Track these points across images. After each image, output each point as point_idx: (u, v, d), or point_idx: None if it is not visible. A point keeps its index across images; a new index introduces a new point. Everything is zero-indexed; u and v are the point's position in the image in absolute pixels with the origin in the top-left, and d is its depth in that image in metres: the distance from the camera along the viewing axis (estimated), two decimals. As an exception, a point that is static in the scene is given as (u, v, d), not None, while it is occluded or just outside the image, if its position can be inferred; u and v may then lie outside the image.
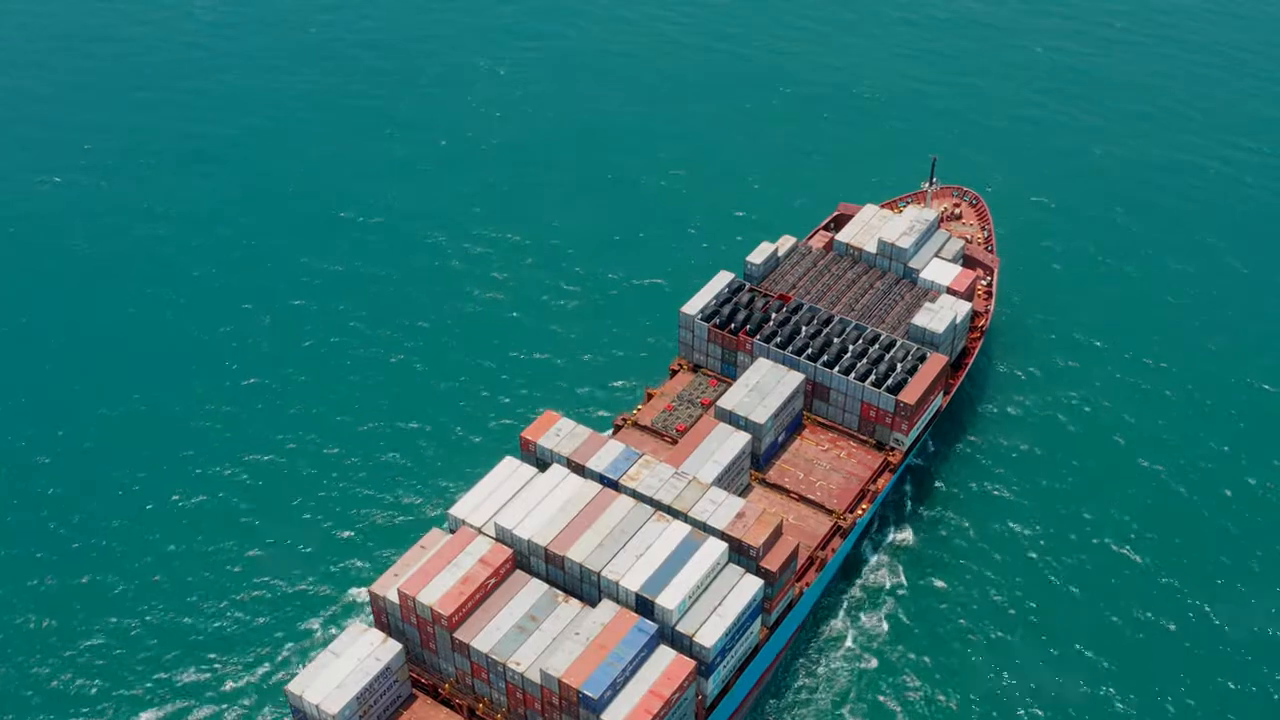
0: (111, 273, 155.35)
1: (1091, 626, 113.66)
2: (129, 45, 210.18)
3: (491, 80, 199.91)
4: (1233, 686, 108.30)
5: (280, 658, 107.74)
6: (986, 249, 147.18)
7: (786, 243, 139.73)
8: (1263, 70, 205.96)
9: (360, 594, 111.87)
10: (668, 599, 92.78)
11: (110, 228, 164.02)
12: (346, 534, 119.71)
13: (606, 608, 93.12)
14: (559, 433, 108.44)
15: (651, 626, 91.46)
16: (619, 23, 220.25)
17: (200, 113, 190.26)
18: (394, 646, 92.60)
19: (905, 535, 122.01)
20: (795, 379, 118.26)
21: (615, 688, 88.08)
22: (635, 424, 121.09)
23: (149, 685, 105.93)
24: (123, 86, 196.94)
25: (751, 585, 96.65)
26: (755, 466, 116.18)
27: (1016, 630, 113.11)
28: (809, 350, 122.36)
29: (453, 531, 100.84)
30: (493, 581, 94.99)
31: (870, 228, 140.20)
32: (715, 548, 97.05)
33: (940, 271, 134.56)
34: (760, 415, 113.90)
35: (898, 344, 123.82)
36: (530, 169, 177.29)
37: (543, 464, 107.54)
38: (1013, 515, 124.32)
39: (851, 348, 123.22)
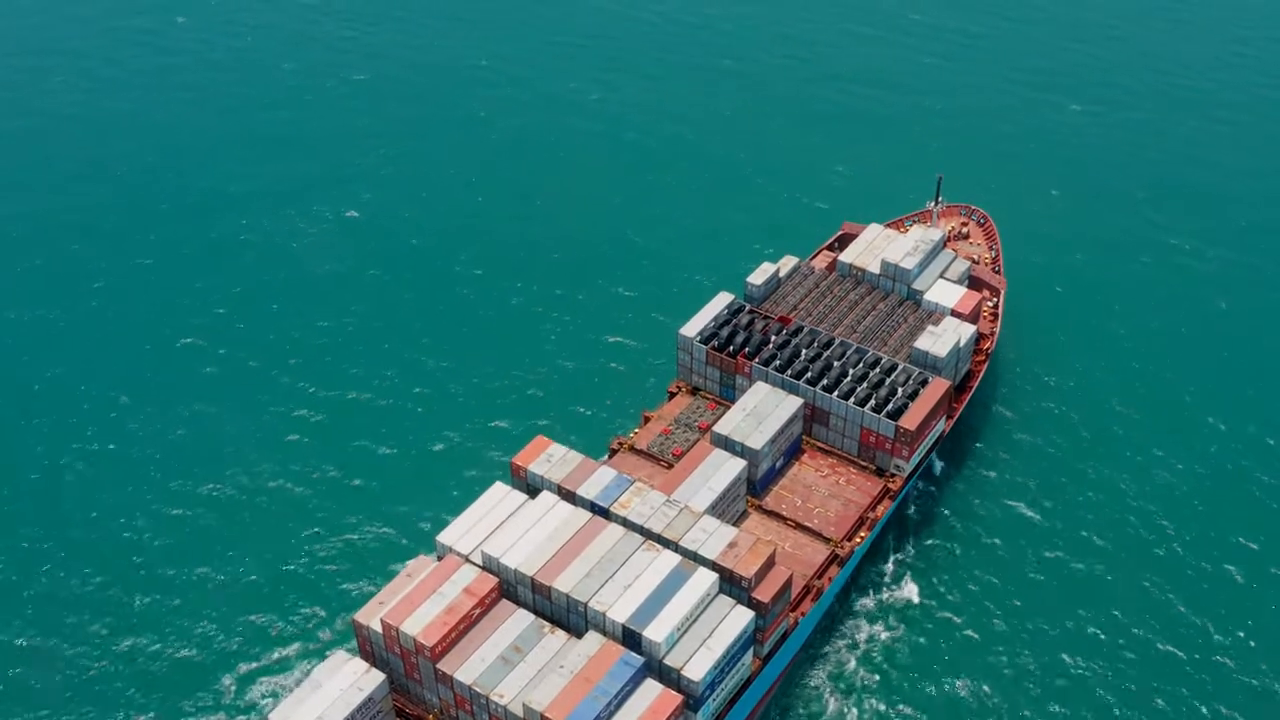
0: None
1: (1098, 656, 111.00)
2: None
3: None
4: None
5: (261, 688, 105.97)
6: (994, 270, 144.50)
7: (788, 263, 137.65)
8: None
9: (344, 622, 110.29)
10: (655, 631, 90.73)
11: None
12: (331, 560, 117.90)
13: (592, 639, 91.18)
14: (550, 459, 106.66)
15: (638, 659, 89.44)
16: (622, 21, 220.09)
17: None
18: (377, 676, 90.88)
19: (905, 564, 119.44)
20: (794, 403, 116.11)
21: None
22: (631, 448, 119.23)
23: (125, 715, 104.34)
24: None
25: (742, 617, 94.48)
26: (752, 492, 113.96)
27: (1018, 660, 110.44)
28: (808, 374, 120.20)
29: (440, 558, 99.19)
30: (478, 611, 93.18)
31: (874, 248, 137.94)
32: (705, 578, 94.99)
33: (945, 293, 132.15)
34: (757, 441, 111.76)
35: (899, 368, 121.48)
36: (530, 177, 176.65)
37: (533, 490, 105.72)
38: (1016, 543, 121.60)
39: (852, 371, 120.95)
